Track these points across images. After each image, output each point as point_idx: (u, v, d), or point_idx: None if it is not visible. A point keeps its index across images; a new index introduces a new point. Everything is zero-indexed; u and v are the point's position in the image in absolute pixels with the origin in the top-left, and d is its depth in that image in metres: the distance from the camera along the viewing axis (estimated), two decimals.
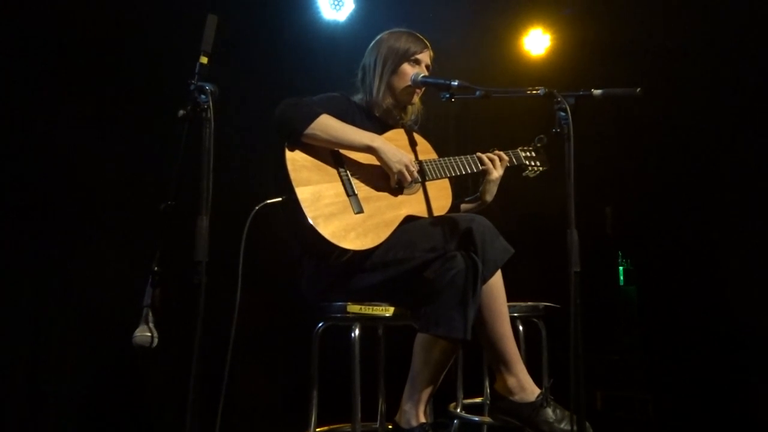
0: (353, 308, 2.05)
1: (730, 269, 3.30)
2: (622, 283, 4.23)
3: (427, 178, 2.25)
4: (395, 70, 2.28)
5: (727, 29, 3.26)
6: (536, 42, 4.01)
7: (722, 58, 3.28)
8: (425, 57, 2.32)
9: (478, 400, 2.85)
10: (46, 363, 2.67)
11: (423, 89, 2.33)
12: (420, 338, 2.02)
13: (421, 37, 2.35)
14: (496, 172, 2.35)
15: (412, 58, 2.28)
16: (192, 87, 1.67)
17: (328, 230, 1.96)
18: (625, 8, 3.58)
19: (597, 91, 1.83)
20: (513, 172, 2.47)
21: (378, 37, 2.36)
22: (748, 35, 3.19)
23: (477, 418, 2.69)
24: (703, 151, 3.41)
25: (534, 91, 1.85)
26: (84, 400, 2.74)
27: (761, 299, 3.13)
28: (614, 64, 3.57)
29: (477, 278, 1.94)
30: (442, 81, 2.08)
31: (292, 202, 1.98)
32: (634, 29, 3.59)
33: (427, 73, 2.30)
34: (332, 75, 2.81)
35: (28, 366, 2.63)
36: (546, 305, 2.58)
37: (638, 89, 1.80)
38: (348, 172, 2.13)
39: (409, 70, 2.28)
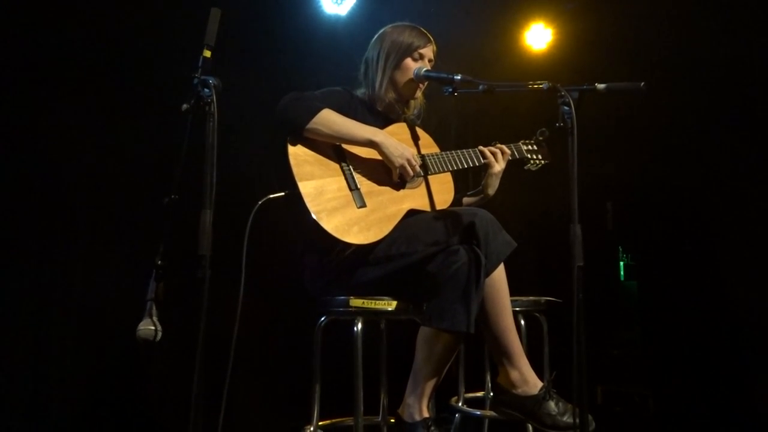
0: (356, 302, 2.05)
1: (730, 264, 3.30)
2: (622, 278, 4.23)
3: (429, 172, 2.25)
4: (398, 64, 2.27)
5: (730, 24, 3.26)
6: (538, 36, 4.01)
7: (725, 53, 3.27)
8: (428, 52, 2.31)
9: (480, 394, 2.86)
10: (49, 356, 2.67)
11: (426, 84, 2.33)
12: (423, 332, 2.02)
13: (424, 31, 2.34)
14: (498, 166, 2.35)
15: (416, 52, 2.28)
16: (195, 81, 1.67)
17: (331, 224, 1.96)
18: (626, 2, 3.57)
19: (601, 86, 1.82)
20: (515, 165, 2.47)
21: (381, 30, 2.35)
22: (751, 30, 3.18)
23: (479, 412, 2.70)
24: (705, 146, 3.41)
25: (538, 85, 1.84)
26: (87, 393, 2.75)
27: (761, 294, 3.14)
28: (615, 59, 3.57)
29: (480, 272, 1.94)
30: (445, 75, 2.08)
31: (295, 197, 1.98)
32: (636, 24, 3.58)
33: (429, 68, 2.30)
34: (334, 70, 2.80)
35: (31, 359, 2.63)
36: (548, 300, 2.59)
37: (642, 84, 1.80)
38: (350, 166, 2.13)
39: (412, 65, 2.27)
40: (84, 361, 2.73)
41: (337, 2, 3.58)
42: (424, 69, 2.25)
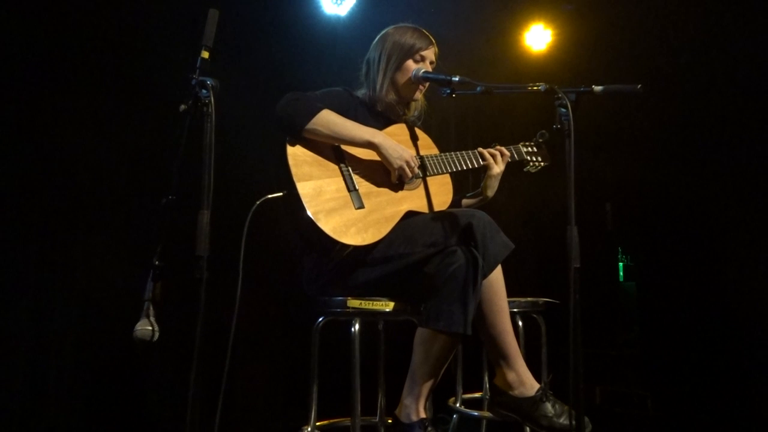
0: (353, 303, 2.05)
1: (729, 265, 3.31)
2: (621, 279, 4.24)
3: (428, 174, 2.25)
4: (399, 66, 2.27)
5: (728, 25, 3.26)
6: (537, 38, 4.01)
7: (724, 55, 3.27)
8: (430, 54, 2.30)
9: (478, 395, 2.86)
10: (47, 356, 2.67)
11: (427, 85, 2.32)
12: (420, 333, 2.02)
13: (426, 33, 2.33)
14: (497, 168, 2.35)
15: (417, 54, 2.27)
16: (193, 82, 1.67)
17: (328, 225, 1.96)
18: (626, 4, 3.57)
19: (598, 88, 1.82)
20: (514, 167, 2.47)
21: (383, 31, 2.34)
22: (750, 32, 3.18)
23: (476, 413, 2.70)
24: (703, 147, 3.42)
25: (535, 87, 1.84)
26: (85, 393, 2.75)
27: (760, 295, 3.14)
28: (615, 60, 3.58)
29: (477, 273, 1.94)
30: (443, 77, 2.08)
31: (293, 197, 1.98)
32: (636, 25, 3.58)
33: (429, 70, 2.30)
34: (333, 70, 2.81)
35: (30, 359, 2.64)
36: (546, 301, 2.59)
37: (639, 86, 1.80)
38: (349, 167, 2.13)
39: (413, 67, 2.26)
40: (82, 361, 2.73)
41: (336, 3, 3.59)
42: (422, 70, 2.24)
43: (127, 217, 2.81)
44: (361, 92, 2.35)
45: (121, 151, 2.83)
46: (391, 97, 2.31)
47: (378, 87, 2.29)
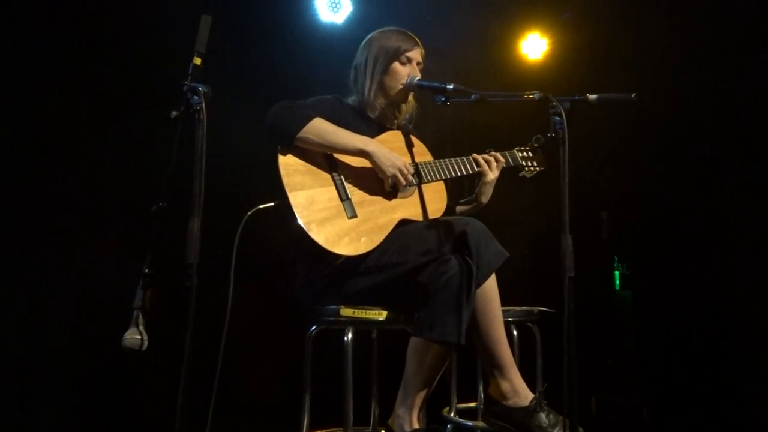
0: (346, 312, 2.04)
1: (725, 274, 3.30)
2: (617, 288, 4.22)
3: (422, 181, 2.24)
4: (386, 69, 2.26)
5: (724, 34, 3.26)
6: (534, 46, 4.02)
7: (719, 63, 3.28)
8: (416, 55, 2.29)
9: (472, 404, 2.84)
10: (36, 365, 2.65)
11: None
12: (413, 342, 2.00)
13: (411, 34, 2.32)
14: (492, 174, 2.33)
15: (403, 56, 2.26)
16: (185, 88, 1.66)
17: (321, 236, 1.95)
18: (623, 13, 3.58)
19: (592, 96, 1.82)
20: (510, 172, 2.45)
21: (369, 36, 2.34)
22: (745, 40, 3.19)
23: (471, 423, 2.68)
24: (699, 155, 3.41)
25: (529, 96, 1.84)
26: (74, 402, 2.73)
27: (757, 304, 3.13)
28: (612, 68, 3.58)
29: (471, 282, 1.93)
30: (437, 84, 2.08)
31: (285, 207, 1.97)
32: (632, 34, 3.59)
33: (418, 71, 2.29)
34: (329, 78, 2.79)
35: (20, 368, 2.62)
36: (540, 310, 2.58)
37: (633, 95, 1.80)
38: (342, 176, 2.12)
39: (400, 69, 2.26)
40: (71, 370, 2.71)
41: (333, 10, 3.59)
42: (417, 78, 2.24)
43: (117, 224, 2.80)
44: (351, 99, 2.35)
45: (111, 158, 2.82)
46: (381, 101, 2.30)
47: (366, 91, 2.29)
